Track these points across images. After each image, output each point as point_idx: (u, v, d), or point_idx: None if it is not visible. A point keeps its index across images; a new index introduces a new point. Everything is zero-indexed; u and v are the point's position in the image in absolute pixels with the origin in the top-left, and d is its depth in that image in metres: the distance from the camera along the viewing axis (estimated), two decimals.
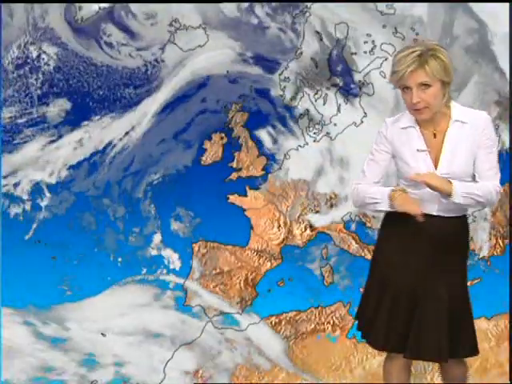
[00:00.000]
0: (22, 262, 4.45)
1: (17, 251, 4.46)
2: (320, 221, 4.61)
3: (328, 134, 4.57)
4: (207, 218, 4.61)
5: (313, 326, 4.62)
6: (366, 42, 4.47)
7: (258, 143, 4.60)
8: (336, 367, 4.54)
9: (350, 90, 4.53)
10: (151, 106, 4.53)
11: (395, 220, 2.88)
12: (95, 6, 4.45)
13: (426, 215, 2.78)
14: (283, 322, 4.61)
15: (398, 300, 2.88)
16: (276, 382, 4.59)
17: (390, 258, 2.92)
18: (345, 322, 4.57)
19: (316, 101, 4.55)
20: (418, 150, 2.81)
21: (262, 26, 4.50)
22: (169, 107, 4.55)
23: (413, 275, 2.87)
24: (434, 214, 2.85)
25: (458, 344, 2.88)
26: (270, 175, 4.61)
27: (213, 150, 4.59)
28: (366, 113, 4.53)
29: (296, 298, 4.60)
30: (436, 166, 2.80)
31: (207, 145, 4.58)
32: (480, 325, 4.56)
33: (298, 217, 4.62)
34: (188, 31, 4.49)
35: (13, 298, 4.45)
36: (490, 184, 2.80)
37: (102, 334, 4.54)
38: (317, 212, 4.61)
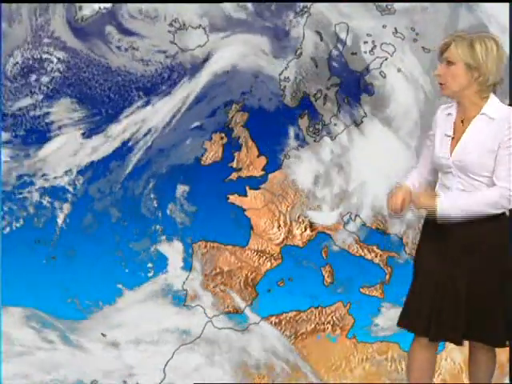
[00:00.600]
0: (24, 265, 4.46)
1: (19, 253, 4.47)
2: (320, 221, 4.61)
3: (328, 134, 4.57)
4: (207, 218, 4.61)
5: (313, 326, 4.62)
6: (365, 42, 4.47)
7: (258, 143, 4.60)
8: (336, 367, 4.54)
9: (349, 90, 4.53)
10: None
11: (427, 219, 2.97)
12: (95, 6, 4.45)
13: None
14: (283, 322, 4.62)
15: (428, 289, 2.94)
16: (276, 382, 4.59)
17: (422, 258, 2.99)
18: (345, 322, 4.57)
19: (316, 101, 4.55)
20: (445, 135, 2.86)
21: (261, 25, 4.50)
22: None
23: (437, 274, 2.91)
24: None
25: (482, 331, 2.94)
26: (269, 175, 4.61)
27: (213, 150, 4.59)
28: (365, 113, 4.53)
29: (296, 298, 4.60)
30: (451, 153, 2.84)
31: (207, 145, 4.59)
32: None
33: (298, 217, 4.62)
34: (188, 31, 4.49)
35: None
36: (489, 192, 2.79)
37: (102, 334, 4.55)
38: (317, 212, 4.61)
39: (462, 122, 2.84)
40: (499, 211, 2.80)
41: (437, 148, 2.88)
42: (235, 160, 4.61)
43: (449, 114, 2.90)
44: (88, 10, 4.45)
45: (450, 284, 2.86)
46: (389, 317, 4.48)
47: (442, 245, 2.88)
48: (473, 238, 2.84)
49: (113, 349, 4.55)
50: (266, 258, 4.62)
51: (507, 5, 4.39)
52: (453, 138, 2.84)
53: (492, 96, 2.81)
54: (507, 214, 2.86)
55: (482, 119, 2.79)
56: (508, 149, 2.74)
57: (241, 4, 4.47)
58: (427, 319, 2.94)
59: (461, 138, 2.82)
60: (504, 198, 2.76)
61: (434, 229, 2.91)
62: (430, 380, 3.08)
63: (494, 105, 2.80)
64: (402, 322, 3.02)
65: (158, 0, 4.45)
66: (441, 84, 2.81)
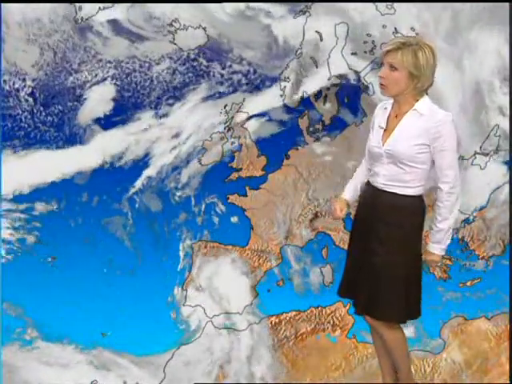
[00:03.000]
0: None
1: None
2: (320, 221, 4.61)
3: (328, 134, 4.58)
4: (207, 218, 4.62)
5: (313, 326, 4.62)
6: (365, 42, 4.47)
7: (258, 143, 4.60)
8: (336, 367, 4.54)
9: (349, 90, 4.54)
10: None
11: (360, 195, 3.33)
12: (95, 6, 4.45)
13: (373, 186, 3.16)
14: (283, 322, 4.62)
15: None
16: (276, 382, 4.59)
17: (353, 226, 3.31)
18: (345, 322, 4.57)
19: (316, 101, 4.55)
20: (379, 127, 3.14)
21: (262, 25, 4.50)
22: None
23: (357, 241, 3.26)
24: (379, 186, 3.15)
25: (376, 305, 3.15)
26: (269, 175, 4.61)
27: (213, 150, 4.59)
28: (366, 113, 4.53)
29: (296, 298, 4.60)
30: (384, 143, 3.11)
31: (207, 145, 4.59)
32: (480, 325, 4.57)
33: (298, 217, 4.62)
34: (188, 31, 4.49)
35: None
36: (445, 204, 3.06)
37: (103, 333, 4.55)
38: (317, 212, 4.62)
39: (396, 116, 3.10)
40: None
41: (371, 138, 3.17)
42: (235, 160, 4.61)
43: (385, 108, 3.18)
44: (88, 10, 4.46)
45: (364, 257, 3.17)
46: None
47: (360, 212, 3.24)
48: (396, 215, 3.10)
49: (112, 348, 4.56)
50: (266, 258, 4.62)
51: (507, 5, 4.39)
52: (385, 130, 3.11)
53: (425, 96, 3.07)
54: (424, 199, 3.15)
55: (413, 114, 3.06)
56: (446, 149, 3.01)
57: (240, 4, 4.47)
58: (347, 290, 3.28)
59: (393, 130, 3.08)
60: (453, 194, 3.05)
61: (361, 207, 3.26)
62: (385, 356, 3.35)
63: (425, 103, 3.05)
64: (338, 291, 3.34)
65: (159, 0, 4.45)
66: (382, 85, 3.05)
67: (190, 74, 4.54)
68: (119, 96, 4.55)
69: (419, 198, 3.12)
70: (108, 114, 4.55)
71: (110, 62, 4.52)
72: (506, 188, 4.54)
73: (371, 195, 3.17)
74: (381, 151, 3.09)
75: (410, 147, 3.02)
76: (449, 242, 3.13)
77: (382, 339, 3.30)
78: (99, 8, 4.45)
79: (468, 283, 4.60)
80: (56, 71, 4.50)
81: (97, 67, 4.51)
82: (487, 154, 4.54)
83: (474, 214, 4.59)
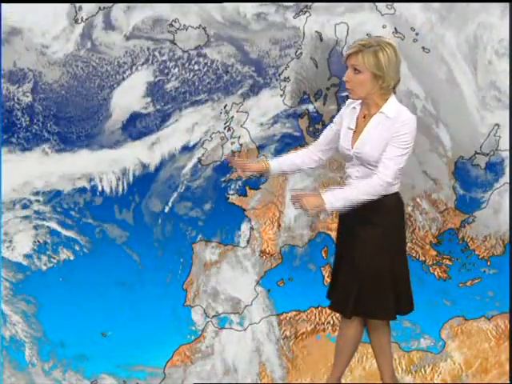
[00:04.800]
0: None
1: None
2: (320, 220, 4.61)
3: None
4: (207, 218, 4.61)
5: (313, 326, 4.62)
6: None
7: (258, 143, 4.60)
8: None
9: None
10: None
11: None
12: (95, 6, 4.45)
13: None
14: (283, 322, 4.62)
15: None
16: (276, 382, 4.59)
17: (338, 229, 3.33)
18: None
19: (316, 101, 4.55)
20: (348, 128, 3.15)
21: (262, 25, 4.50)
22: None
23: (341, 246, 3.27)
24: None
25: (365, 304, 3.14)
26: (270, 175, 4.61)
27: (213, 150, 4.59)
28: None
29: (296, 298, 4.60)
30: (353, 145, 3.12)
31: (207, 145, 4.59)
32: (480, 325, 4.57)
33: (298, 217, 4.62)
34: (188, 31, 4.49)
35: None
36: (368, 181, 3.05)
37: (103, 333, 4.55)
38: (317, 212, 4.61)
39: (365, 117, 3.12)
40: (376, 198, 3.04)
41: (341, 139, 3.18)
42: None
43: (353, 107, 3.19)
44: (88, 10, 4.45)
45: (346, 257, 3.18)
46: None
47: (346, 220, 3.21)
48: (373, 214, 3.09)
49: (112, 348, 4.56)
50: (266, 258, 4.62)
51: (507, 5, 4.40)
52: (354, 132, 3.12)
53: (392, 96, 3.08)
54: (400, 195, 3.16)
55: (380, 117, 3.07)
56: (394, 143, 3.02)
57: (241, 4, 4.47)
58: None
59: (361, 132, 3.10)
60: (380, 185, 3.02)
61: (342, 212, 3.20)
62: (345, 354, 3.34)
63: (392, 105, 3.07)
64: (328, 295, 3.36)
65: (159, 0, 4.45)
66: (348, 89, 3.09)
67: (191, 74, 4.54)
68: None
69: (394, 195, 3.13)
70: (109, 116, 4.55)
71: (109, 61, 4.52)
72: (506, 188, 4.54)
73: None
74: (350, 153, 3.13)
75: (377, 150, 3.04)
76: (338, 204, 3.02)
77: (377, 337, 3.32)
78: (99, 8, 4.45)
79: (468, 283, 4.60)
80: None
81: (96, 67, 4.52)
82: (487, 154, 4.55)
83: (474, 214, 4.59)
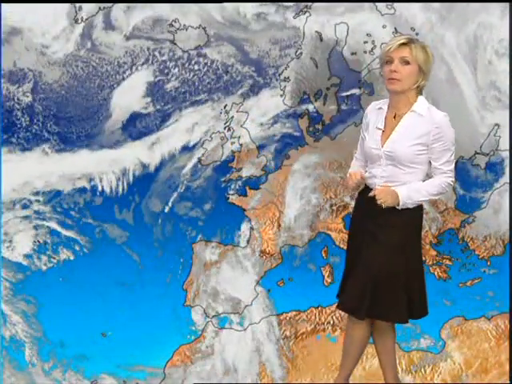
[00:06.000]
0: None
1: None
2: (320, 220, 4.61)
3: (328, 133, 4.57)
4: (207, 218, 4.61)
5: (313, 326, 4.62)
6: (365, 42, 4.47)
7: (258, 143, 4.60)
8: (336, 367, 4.53)
9: (349, 90, 4.53)
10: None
11: (357, 196, 3.30)
12: (95, 6, 4.45)
13: (371, 190, 3.15)
14: (283, 322, 4.62)
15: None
16: (276, 382, 4.59)
17: (351, 229, 3.32)
18: (345, 322, 4.56)
19: (316, 101, 4.55)
20: (376, 128, 3.14)
21: (262, 25, 4.50)
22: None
23: (356, 245, 3.23)
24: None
25: (379, 306, 3.12)
26: (269, 175, 4.61)
27: (213, 150, 4.59)
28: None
29: (296, 298, 4.60)
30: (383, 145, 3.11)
31: (207, 145, 4.59)
32: (480, 325, 4.57)
33: (298, 216, 4.62)
34: (188, 31, 4.49)
35: None
36: (437, 180, 3.11)
37: (103, 333, 4.55)
38: (317, 212, 4.61)
39: (394, 117, 3.11)
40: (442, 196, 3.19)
41: (369, 139, 3.16)
42: (235, 160, 4.61)
43: (380, 108, 3.18)
44: (88, 10, 4.45)
45: (361, 256, 3.14)
46: None
47: (358, 214, 3.24)
48: (393, 216, 3.09)
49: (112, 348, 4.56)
50: (266, 257, 4.62)
51: (507, 5, 4.40)
52: (383, 131, 3.12)
53: (421, 96, 3.11)
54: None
55: (412, 116, 3.08)
56: (443, 145, 3.05)
57: (241, 4, 4.47)
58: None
59: (392, 131, 3.09)
60: (450, 186, 3.12)
61: (357, 211, 3.27)
62: (352, 356, 3.32)
63: (423, 104, 3.09)
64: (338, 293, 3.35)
65: (159, 0, 4.45)
66: (394, 79, 3.04)
67: (191, 74, 4.54)
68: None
69: None
70: (109, 116, 4.55)
71: (109, 61, 4.52)
72: (506, 188, 4.54)
73: (368, 199, 3.14)
74: (379, 153, 3.11)
75: (409, 148, 3.05)
76: (410, 202, 3.06)
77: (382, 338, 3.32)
78: (99, 8, 4.45)
79: (468, 283, 4.60)
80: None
81: (96, 67, 4.52)
82: (487, 154, 4.55)
83: (474, 214, 4.59)
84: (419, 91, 3.11)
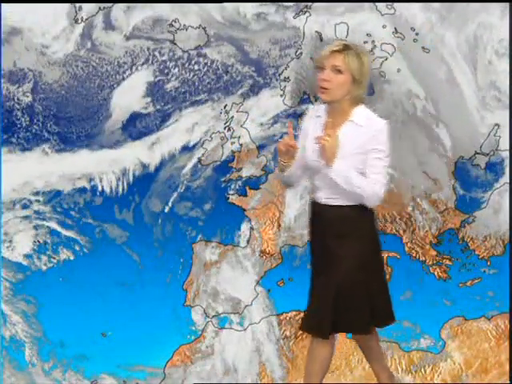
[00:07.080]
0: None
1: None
2: None
3: None
4: (207, 218, 4.61)
5: None
6: (365, 42, 4.47)
7: (258, 143, 4.60)
8: (336, 367, 4.54)
9: None
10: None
11: (310, 216, 3.22)
12: (95, 6, 4.45)
13: (317, 203, 3.09)
14: (283, 322, 4.62)
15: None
16: (276, 382, 4.59)
17: (310, 247, 3.22)
18: None
19: (316, 101, 4.55)
20: (314, 138, 2.99)
21: (262, 25, 4.50)
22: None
23: (315, 257, 3.17)
24: (322, 202, 3.08)
25: (342, 319, 3.03)
26: (270, 175, 4.61)
27: (213, 150, 4.59)
28: None
29: (296, 298, 4.59)
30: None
31: (207, 145, 4.59)
32: (480, 325, 4.56)
33: (298, 216, 4.62)
34: (188, 31, 4.49)
35: None
36: (371, 184, 2.95)
37: (103, 334, 4.55)
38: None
39: (332, 126, 2.97)
40: (366, 204, 2.98)
41: (308, 151, 3.06)
42: (235, 160, 4.61)
43: (318, 116, 3.08)
44: (88, 10, 4.45)
45: (321, 272, 3.07)
46: None
47: (312, 228, 3.15)
48: (334, 223, 3.03)
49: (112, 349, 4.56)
50: (266, 257, 4.62)
51: (507, 5, 4.40)
52: None
53: (360, 106, 2.99)
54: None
55: (350, 125, 2.97)
56: (378, 153, 2.94)
57: (241, 4, 4.47)
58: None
59: None
60: (378, 197, 2.97)
61: (311, 227, 3.17)
62: (316, 375, 3.15)
63: (362, 113, 2.97)
64: None
65: (159, 0, 4.45)
66: (324, 89, 2.93)
67: (191, 74, 4.54)
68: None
69: (365, 206, 3.04)
70: (109, 116, 4.55)
71: (109, 61, 4.52)
72: (506, 188, 4.54)
73: (317, 213, 3.10)
74: (319, 164, 3.01)
75: (350, 159, 2.95)
76: (341, 175, 2.93)
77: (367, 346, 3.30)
78: (99, 8, 4.45)
79: (468, 283, 4.60)
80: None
81: (96, 67, 4.52)
82: (487, 154, 4.55)
83: (474, 214, 4.59)
84: (357, 101, 2.98)
